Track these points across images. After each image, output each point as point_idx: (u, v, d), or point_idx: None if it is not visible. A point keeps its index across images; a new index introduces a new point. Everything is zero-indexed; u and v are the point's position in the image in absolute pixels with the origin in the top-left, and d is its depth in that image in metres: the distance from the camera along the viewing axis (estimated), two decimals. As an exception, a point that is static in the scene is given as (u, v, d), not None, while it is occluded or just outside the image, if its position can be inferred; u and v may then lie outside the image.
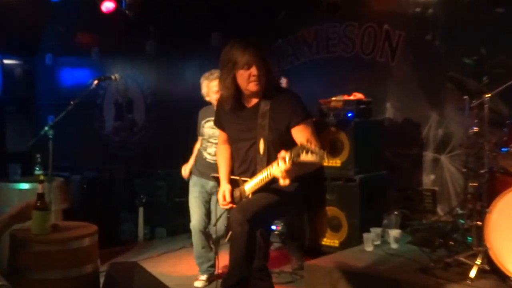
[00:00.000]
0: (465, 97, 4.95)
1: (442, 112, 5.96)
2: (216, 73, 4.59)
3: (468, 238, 4.74)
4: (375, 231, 5.09)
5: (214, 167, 4.06)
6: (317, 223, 5.48)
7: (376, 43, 6.40)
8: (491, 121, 4.78)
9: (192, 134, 5.44)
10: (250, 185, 3.45)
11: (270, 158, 3.36)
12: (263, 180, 3.33)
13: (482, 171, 4.60)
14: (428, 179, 6.05)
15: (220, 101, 3.67)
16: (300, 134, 3.35)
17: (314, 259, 4.88)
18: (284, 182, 3.12)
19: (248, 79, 3.37)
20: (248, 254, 3.32)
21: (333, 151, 5.45)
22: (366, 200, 5.38)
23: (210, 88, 4.83)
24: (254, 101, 3.50)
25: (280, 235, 5.82)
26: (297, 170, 3.15)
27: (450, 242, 4.83)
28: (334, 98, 5.67)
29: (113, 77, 4.83)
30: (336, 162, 5.45)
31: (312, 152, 2.91)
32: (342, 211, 5.39)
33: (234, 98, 3.49)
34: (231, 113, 3.57)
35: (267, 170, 3.29)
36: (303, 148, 2.92)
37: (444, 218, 5.65)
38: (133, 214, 6.53)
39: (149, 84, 8.63)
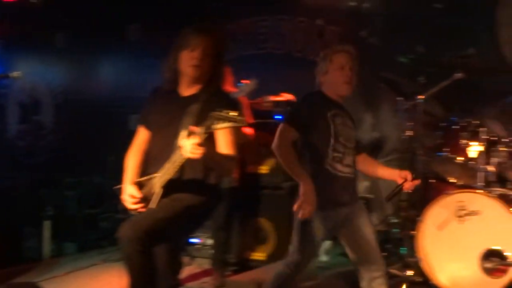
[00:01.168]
0: (399, 98, 5.16)
1: (377, 114, 6.17)
2: None
3: (402, 248, 4.94)
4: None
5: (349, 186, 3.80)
6: (245, 235, 5.54)
7: (308, 40, 6.56)
8: (426, 124, 5.02)
9: (111, 137, 5.39)
10: (159, 176, 3.39)
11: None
12: (174, 164, 3.29)
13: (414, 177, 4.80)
14: (362, 186, 6.23)
15: (154, 90, 3.72)
16: (223, 136, 3.41)
17: (239, 274, 4.96)
18: (193, 156, 3.08)
19: (189, 61, 3.45)
20: (145, 276, 3.31)
21: (261, 157, 5.53)
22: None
23: None
24: (191, 91, 3.55)
25: (205, 248, 5.86)
26: (210, 155, 3.19)
27: (384, 252, 5.00)
28: (261, 99, 5.76)
29: (12, 74, 4.70)
30: (264, 169, 5.54)
31: (227, 120, 2.99)
32: (270, 222, 5.48)
33: (172, 81, 3.55)
34: (163, 99, 3.60)
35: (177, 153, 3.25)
36: (218, 116, 2.98)
37: (379, 228, 5.83)
38: (38, 228, 6.43)
39: (59, 82, 8.50)
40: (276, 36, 6.80)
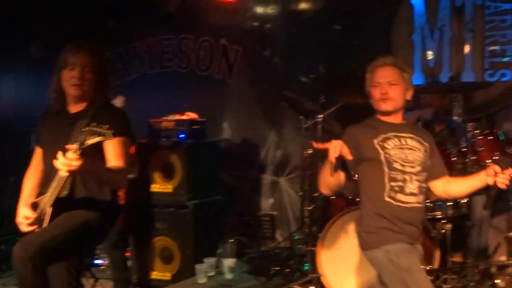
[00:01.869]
0: (301, 117, 5.27)
1: (280, 132, 6.28)
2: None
3: (305, 264, 5.03)
4: (209, 261, 5.22)
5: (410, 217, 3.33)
6: (145, 255, 5.48)
7: (212, 59, 6.60)
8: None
9: (12, 157, 5.22)
10: (48, 195, 3.32)
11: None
12: (59, 182, 3.23)
13: (316, 194, 4.92)
14: (267, 203, 6.33)
15: (45, 108, 3.67)
16: (110, 148, 3.39)
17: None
18: (67, 172, 3.03)
19: (69, 81, 3.42)
20: None
21: (165, 175, 5.50)
22: (201, 228, 5.48)
23: None
24: (78, 108, 3.51)
25: (109, 269, 5.75)
26: (93, 170, 3.20)
27: (286, 270, 5.08)
28: (165, 118, 5.74)
29: None
30: (168, 188, 5.50)
31: (97, 134, 2.99)
32: (174, 241, 5.43)
33: (59, 101, 3.50)
34: (53, 118, 3.56)
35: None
36: (90, 131, 2.99)
37: (283, 244, 5.92)
38: None
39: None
40: (180, 55, 6.80)
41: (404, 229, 3.24)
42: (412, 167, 3.28)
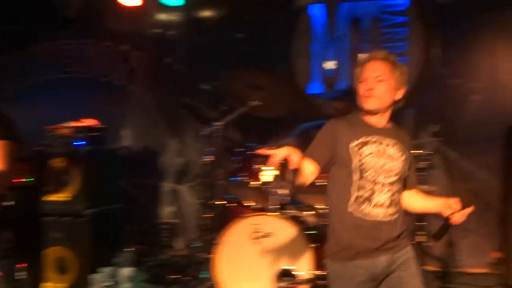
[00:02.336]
0: (202, 124, 5.25)
1: (181, 139, 6.24)
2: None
3: (203, 272, 5.00)
4: (105, 271, 5.10)
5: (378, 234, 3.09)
6: (38, 265, 5.30)
7: (114, 64, 6.49)
8: (227, 150, 5.14)
9: None
10: None
11: None
12: None
13: (215, 202, 4.91)
14: (167, 211, 6.27)
15: None
16: None
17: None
18: None
19: None
20: None
21: (62, 183, 5.35)
22: (98, 237, 5.35)
23: None
24: None
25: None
26: None
27: (185, 278, 5.04)
28: (63, 124, 5.58)
29: None
30: (65, 196, 5.35)
31: None
32: (70, 251, 5.29)
33: None
34: None
35: None
36: None
37: (183, 252, 5.88)
38: None
39: None
40: (80, 60, 6.65)
41: (370, 242, 3.04)
42: (387, 177, 3.06)
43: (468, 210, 2.99)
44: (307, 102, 6.03)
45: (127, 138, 6.36)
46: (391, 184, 3.07)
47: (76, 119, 5.72)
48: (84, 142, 5.46)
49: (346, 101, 5.15)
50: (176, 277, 5.06)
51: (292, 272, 4.30)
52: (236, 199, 4.95)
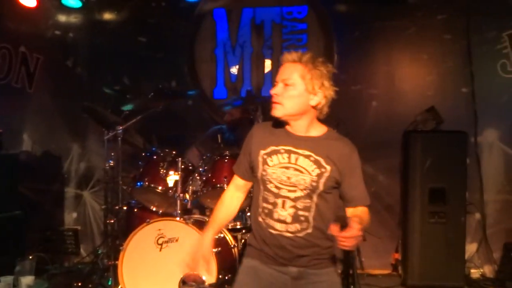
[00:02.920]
0: (103, 129, 5.20)
1: (84, 144, 6.16)
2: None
3: (109, 279, 4.95)
4: (5, 280, 4.95)
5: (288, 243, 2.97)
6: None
7: (11, 67, 6.29)
8: (131, 155, 5.12)
9: None
10: None
11: None
12: None
13: (118, 207, 4.88)
14: (70, 217, 6.16)
15: None
16: None
17: None
18: None
19: None
20: None
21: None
22: (-2, 245, 5.20)
23: None
24: None
25: None
26: None
27: (89, 285, 4.98)
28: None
29: None
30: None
31: None
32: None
33: None
34: None
35: None
36: None
37: (88, 259, 5.79)
38: None
39: None
40: (-24, 62, 6.40)
41: (271, 252, 2.98)
42: (292, 191, 2.89)
43: (348, 233, 2.58)
44: (213, 108, 6.08)
45: (27, 143, 6.18)
46: (296, 199, 2.89)
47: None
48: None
49: (244, 107, 5.26)
50: (79, 285, 4.97)
51: (197, 277, 4.33)
52: (140, 204, 4.94)
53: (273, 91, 2.90)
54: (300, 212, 2.91)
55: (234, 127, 5.29)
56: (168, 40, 6.18)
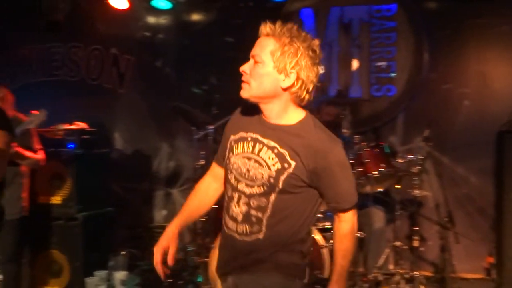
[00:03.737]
0: (193, 128, 5.27)
1: (173, 143, 6.25)
2: None
3: (198, 276, 5.02)
4: (99, 274, 5.09)
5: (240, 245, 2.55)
6: (37, 268, 5.27)
7: (103, 68, 6.47)
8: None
9: None
10: None
11: None
12: None
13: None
14: (160, 215, 6.26)
15: None
16: None
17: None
18: None
19: None
20: None
21: (53, 186, 5.32)
22: (91, 241, 5.34)
23: None
24: None
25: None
26: None
27: (180, 282, 5.05)
28: (53, 127, 5.55)
29: None
30: (56, 199, 5.32)
31: None
32: (63, 254, 5.26)
33: None
34: None
35: None
36: None
37: (178, 256, 5.85)
38: None
39: None
40: (69, 63, 6.62)
41: (228, 255, 2.59)
42: (249, 185, 2.44)
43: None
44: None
45: (118, 142, 6.35)
46: (250, 196, 2.44)
47: (66, 122, 5.71)
48: (74, 145, 5.43)
49: (337, 106, 5.21)
50: (170, 281, 5.05)
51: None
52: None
53: (241, 68, 2.47)
54: (253, 212, 2.45)
55: (331, 126, 5.24)
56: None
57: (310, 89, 2.46)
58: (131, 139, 6.35)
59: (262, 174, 2.41)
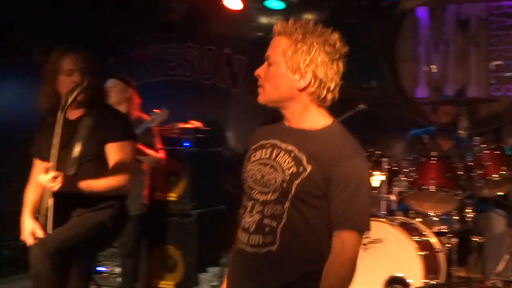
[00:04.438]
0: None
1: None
2: None
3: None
4: (212, 270, 5.19)
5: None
6: (153, 263, 5.45)
7: (217, 68, 6.59)
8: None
9: (13, 162, 5.18)
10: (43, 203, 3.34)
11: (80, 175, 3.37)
12: (47, 192, 3.29)
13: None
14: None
15: (40, 120, 3.61)
16: (113, 152, 3.43)
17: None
18: (53, 188, 3.17)
19: (70, 86, 3.38)
20: None
21: (170, 184, 5.48)
22: (204, 237, 5.46)
23: None
24: (77, 113, 3.51)
25: (112, 277, 5.72)
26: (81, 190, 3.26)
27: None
28: (169, 126, 5.72)
29: None
30: (172, 196, 5.48)
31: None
32: (178, 250, 5.41)
33: (55, 109, 3.43)
34: (51, 128, 3.44)
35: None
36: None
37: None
38: None
39: (-42, 104, 8.13)
40: (184, 63, 6.79)
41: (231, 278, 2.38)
42: (263, 192, 2.27)
43: None
44: (414, 107, 5.93)
45: (231, 140, 6.45)
46: (264, 203, 2.25)
47: (181, 121, 5.86)
48: (189, 144, 5.57)
49: (455, 106, 5.06)
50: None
51: (403, 280, 4.25)
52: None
53: (256, 72, 2.36)
54: (266, 221, 2.23)
55: (449, 127, 5.10)
56: (367, 39, 6.11)
57: (332, 87, 2.25)
58: (243, 137, 6.43)
59: (276, 178, 2.22)
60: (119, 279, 5.27)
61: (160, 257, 5.47)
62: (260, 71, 2.33)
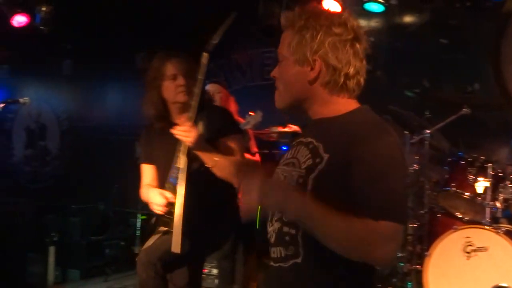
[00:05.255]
0: (405, 132, 5.16)
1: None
2: None
3: (408, 283, 4.90)
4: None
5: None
6: (249, 264, 5.49)
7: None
8: (432, 159, 5.01)
9: (116, 164, 5.37)
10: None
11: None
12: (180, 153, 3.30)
13: (422, 212, 4.80)
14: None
15: (146, 126, 3.69)
16: (225, 145, 3.48)
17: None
18: (187, 140, 3.17)
19: (175, 90, 3.47)
20: None
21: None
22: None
23: None
24: (184, 117, 3.53)
25: (209, 278, 5.81)
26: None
27: (389, 287, 4.98)
28: (268, 130, 5.75)
29: (21, 100, 4.70)
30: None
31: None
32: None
33: (161, 115, 3.54)
34: (160, 134, 3.55)
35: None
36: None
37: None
38: (43, 255, 6.38)
39: (65, 108, 8.52)
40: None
41: None
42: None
43: None
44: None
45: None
46: None
47: (279, 124, 5.87)
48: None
49: None
50: (379, 287, 5.00)
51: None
52: (445, 210, 4.81)
53: (271, 73, 2.13)
54: (285, 228, 1.94)
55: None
56: (471, 41, 5.94)
57: (352, 72, 2.01)
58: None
59: (293, 175, 1.97)
60: (216, 281, 5.34)
61: (256, 258, 5.49)
62: (274, 72, 2.11)
